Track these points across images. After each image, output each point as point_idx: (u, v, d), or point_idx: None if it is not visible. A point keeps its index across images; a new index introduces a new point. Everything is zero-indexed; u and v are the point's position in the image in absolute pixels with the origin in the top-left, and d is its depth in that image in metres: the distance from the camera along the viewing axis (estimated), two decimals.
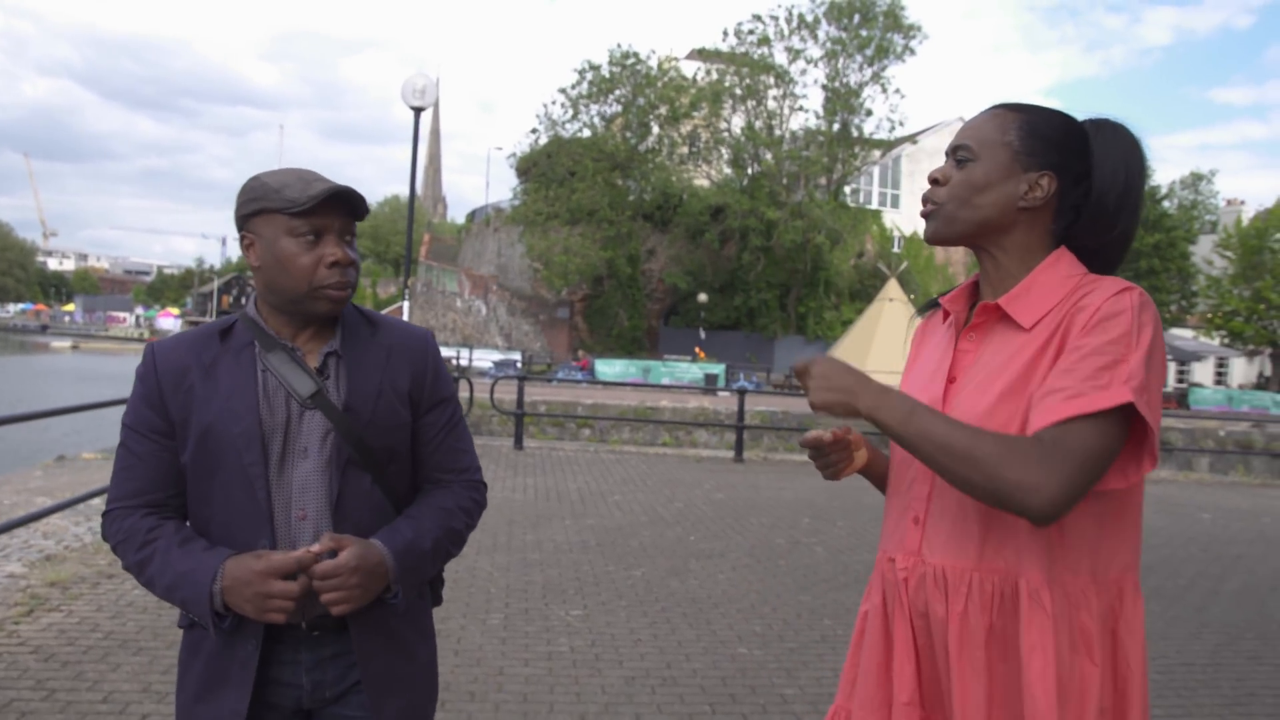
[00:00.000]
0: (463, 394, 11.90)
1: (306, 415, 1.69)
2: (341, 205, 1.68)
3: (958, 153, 1.57)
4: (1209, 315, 37.22)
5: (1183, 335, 37.96)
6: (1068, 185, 1.54)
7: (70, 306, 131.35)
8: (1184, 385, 39.61)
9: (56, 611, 4.74)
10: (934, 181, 1.60)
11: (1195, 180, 64.12)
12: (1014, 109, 1.57)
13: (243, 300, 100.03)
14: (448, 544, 1.81)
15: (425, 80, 12.84)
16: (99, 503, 7.18)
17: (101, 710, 3.62)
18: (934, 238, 1.61)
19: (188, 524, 1.74)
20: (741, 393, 13.49)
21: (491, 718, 3.77)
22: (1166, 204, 42.95)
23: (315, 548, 1.60)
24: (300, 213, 1.64)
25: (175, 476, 1.71)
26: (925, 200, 1.61)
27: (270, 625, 1.66)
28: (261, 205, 1.66)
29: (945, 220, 1.57)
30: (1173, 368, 41.71)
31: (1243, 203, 54.13)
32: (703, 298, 38.87)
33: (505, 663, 4.40)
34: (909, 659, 1.54)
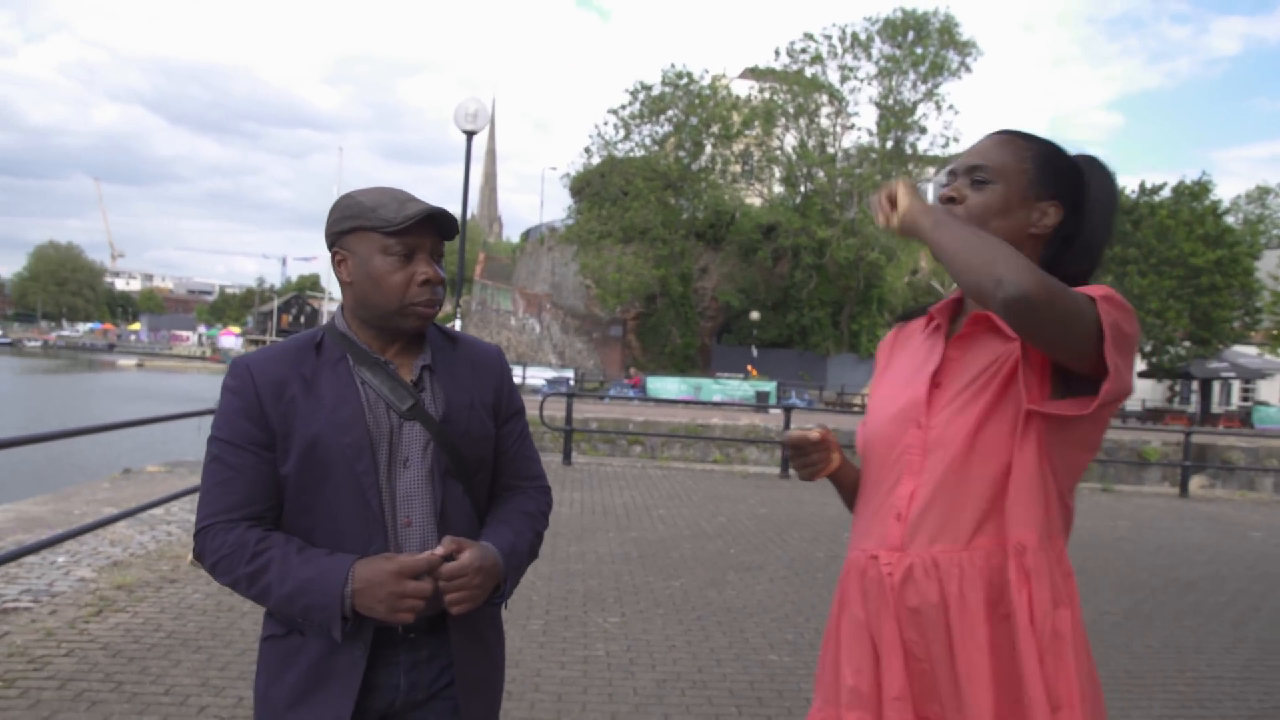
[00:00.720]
0: None
1: (406, 426, 1.74)
2: (433, 225, 1.73)
3: (974, 173, 1.62)
4: (1275, 332, 36.44)
5: (1247, 353, 37.10)
6: (1067, 215, 1.62)
7: (136, 326, 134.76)
8: (1249, 404, 38.73)
9: (123, 612, 5.02)
10: (949, 200, 1.64)
11: (1261, 194, 62.80)
12: (1024, 137, 1.64)
13: (301, 319, 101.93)
14: (537, 545, 1.90)
15: (477, 104, 13.16)
16: (161, 512, 7.51)
17: (164, 701, 3.87)
18: None
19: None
20: (788, 410, 13.60)
21: (527, 715, 3.97)
22: (1230, 219, 42.13)
23: (439, 550, 1.65)
24: (395, 232, 1.69)
25: (274, 489, 1.71)
26: None
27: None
28: (356, 223, 1.72)
29: None
30: (1237, 386, 40.82)
31: None
32: (755, 315, 38.91)
33: (543, 665, 4.59)
34: (896, 654, 1.58)
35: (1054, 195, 1.61)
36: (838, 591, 1.75)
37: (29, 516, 7.40)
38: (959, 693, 1.53)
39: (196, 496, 1.82)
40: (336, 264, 1.76)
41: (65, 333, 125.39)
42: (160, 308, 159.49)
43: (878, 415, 1.74)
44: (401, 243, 1.69)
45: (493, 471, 1.91)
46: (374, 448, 1.71)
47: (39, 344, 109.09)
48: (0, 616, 4.85)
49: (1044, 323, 1.42)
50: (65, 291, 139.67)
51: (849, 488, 1.86)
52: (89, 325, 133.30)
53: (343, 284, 1.76)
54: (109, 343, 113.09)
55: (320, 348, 1.77)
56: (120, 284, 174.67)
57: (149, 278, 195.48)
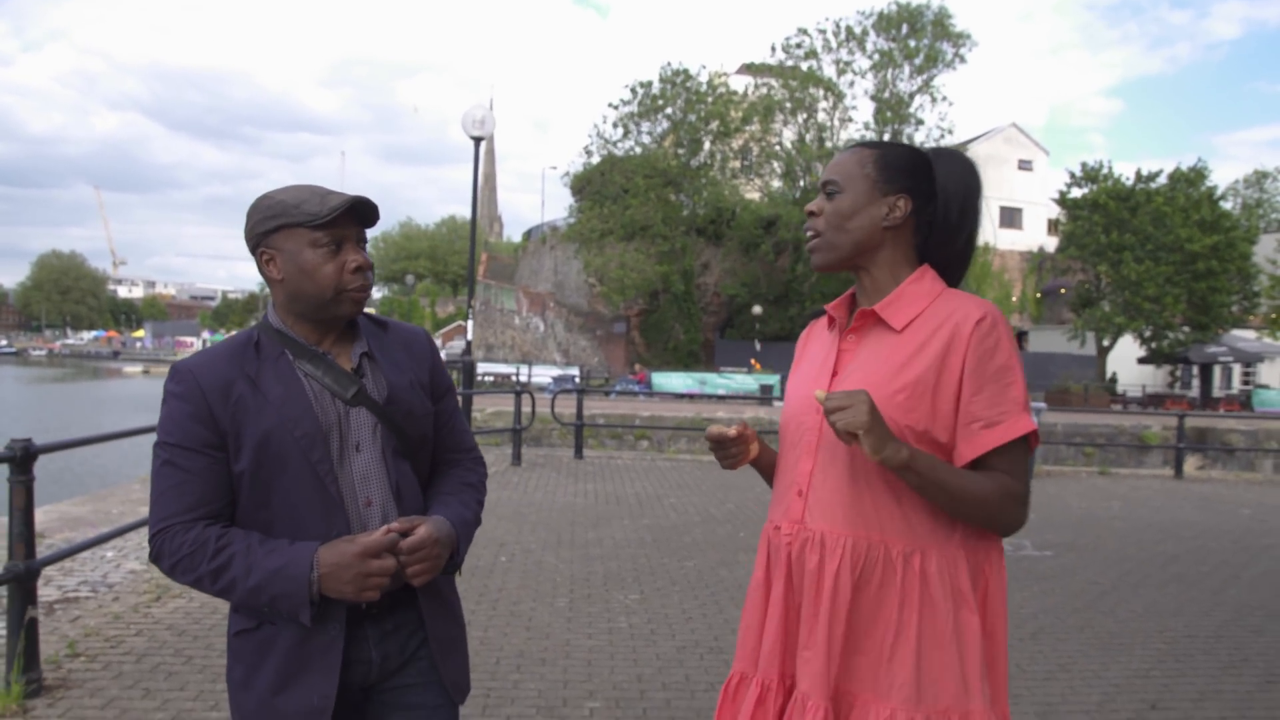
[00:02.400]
0: (525, 408, 12.52)
1: (353, 412, 1.82)
2: (355, 215, 1.80)
3: (826, 187, 1.82)
4: (1273, 315, 36.75)
5: (1245, 336, 37.40)
6: (921, 204, 1.81)
7: (140, 332, 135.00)
8: (1249, 387, 39.05)
9: (180, 598, 5.42)
10: (811, 214, 1.84)
11: (1259, 179, 63.04)
12: (868, 145, 1.84)
13: None
14: (480, 513, 2.02)
15: (484, 111, 13.51)
16: None
17: None
18: (821, 265, 1.85)
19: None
20: None
21: (561, 678, 4.37)
22: (1226, 203, 42.35)
23: (395, 525, 1.73)
24: (321, 225, 1.75)
25: (227, 487, 1.76)
26: (806, 231, 1.86)
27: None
28: (281, 221, 1.77)
29: (827, 248, 1.83)
30: (1237, 370, 41.13)
31: None
32: (758, 310, 39.26)
33: (571, 636, 4.99)
34: (778, 615, 1.77)
35: (902, 189, 1.80)
36: (757, 557, 1.94)
37: (71, 516, 7.80)
38: (807, 657, 1.72)
39: None
40: (264, 263, 1.81)
41: (70, 341, 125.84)
42: (164, 314, 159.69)
43: (791, 402, 1.92)
44: (329, 234, 1.76)
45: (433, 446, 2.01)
46: (325, 436, 1.78)
47: (44, 353, 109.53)
48: (67, 604, 5.25)
49: None
50: (69, 300, 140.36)
51: (767, 470, 2.03)
52: (93, 333, 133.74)
53: (272, 282, 1.82)
54: (114, 350, 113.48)
55: (259, 346, 1.82)
56: (123, 291, 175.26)
57: (151, 284, 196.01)
